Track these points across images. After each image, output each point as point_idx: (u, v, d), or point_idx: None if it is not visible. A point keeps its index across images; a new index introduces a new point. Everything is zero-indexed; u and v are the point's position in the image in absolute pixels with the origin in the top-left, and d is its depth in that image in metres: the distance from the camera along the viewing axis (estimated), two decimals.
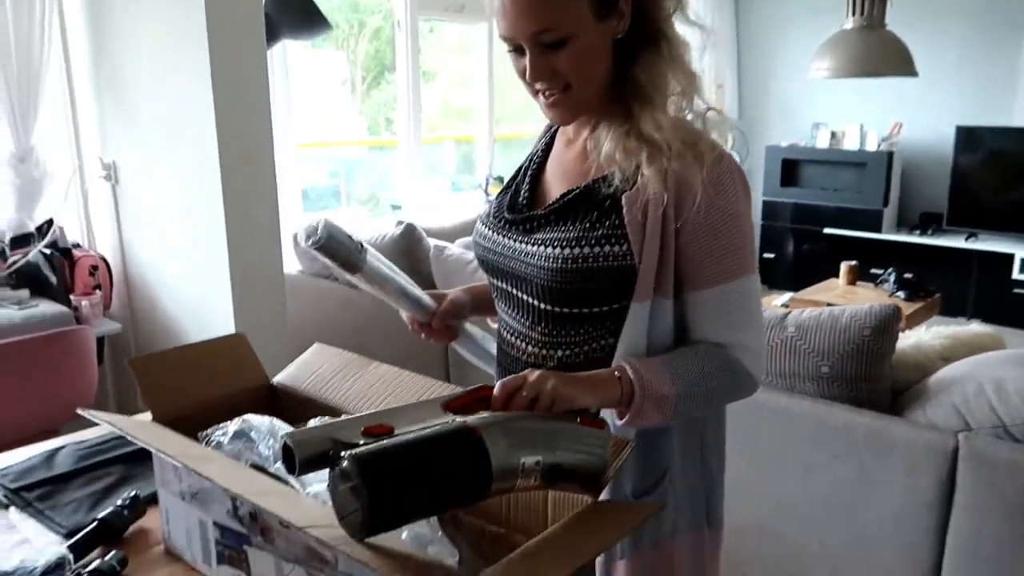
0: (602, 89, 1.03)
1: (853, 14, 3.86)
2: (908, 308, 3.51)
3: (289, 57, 3.60)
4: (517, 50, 1.00)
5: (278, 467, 0.95)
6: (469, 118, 5.51)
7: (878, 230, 5.41)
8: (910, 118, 5.48)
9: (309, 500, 0.86)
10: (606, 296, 1.04)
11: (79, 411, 1.06)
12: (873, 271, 5.00)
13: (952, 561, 1.72)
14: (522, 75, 1.01)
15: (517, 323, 1.14)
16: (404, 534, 0.85)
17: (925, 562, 1.75)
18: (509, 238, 1.10)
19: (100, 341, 2.97)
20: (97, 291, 2.89)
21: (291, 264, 3.33)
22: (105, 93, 2.89)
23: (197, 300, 2.75)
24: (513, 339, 1.15)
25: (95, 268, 2.92)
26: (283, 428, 1.01)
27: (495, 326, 1.25)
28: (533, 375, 0.91)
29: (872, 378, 1.87)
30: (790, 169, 5.80)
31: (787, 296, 3.86)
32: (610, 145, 1.00)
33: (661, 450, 1.08)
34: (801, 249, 5.82)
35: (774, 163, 5.82)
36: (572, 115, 1.06)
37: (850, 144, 5.55)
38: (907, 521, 1.77)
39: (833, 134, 5.64)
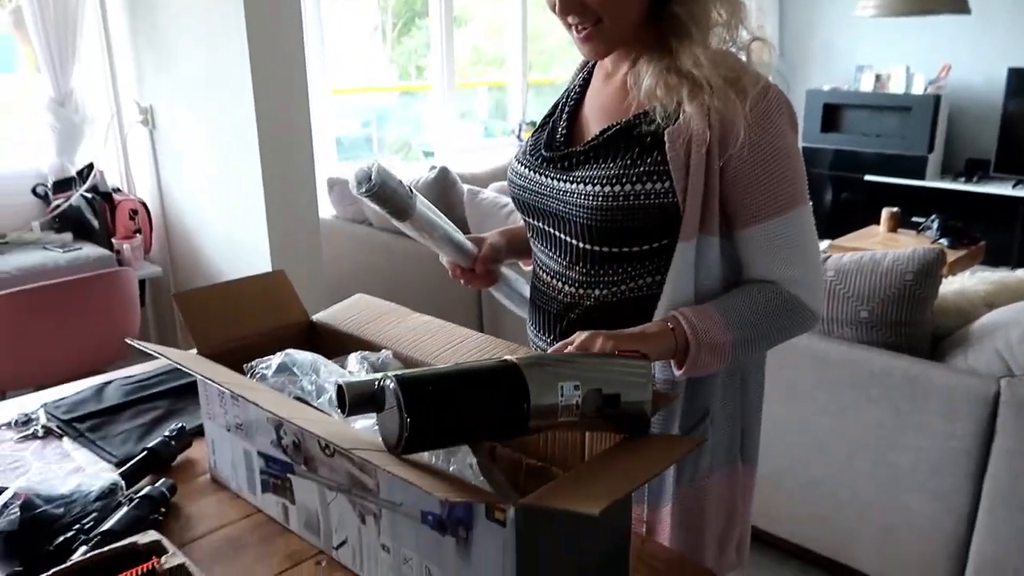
0: (638, 23, 0.99)
1: None
2: (951, 255, 3.43)
3: (321, 3, 3.56)
4: None
5: (320, 402, 0.97)
6: (501, 65, 5.44)
7: (922, 177, 5.27)
8: (959, 60, 5.27)
9: (353, 428, 0.88)
10: (646, 235, 1.02)
11: (128, 340, 1.08)
12: (915, 219, 4.89)
13: (989, 507, 1.71)
14: (553, 8, 0.99)
15: (554, 263, 1.13)
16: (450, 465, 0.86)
17: (960, 508, 1.75)
18: (547, 176, 1.09)
19: (141, 284, 3.04)
20: (137, 235, 2.94)
21: (326, 209, 3.35)
22: (141, 38, 2.89)
23: (234, 245, 2.78)
24: (550, 279, 1.15)
25: (135, 212, 2.96)
26: (325, 363, 1.03)
27: (528, 268, 1.25)
28: (580, 337, 0.91)
29: (912, 323, 1.85)
30: (831, 114, 5.64)
31: (825, 244, 3.79)
32: (650, 81, 0.98)
33: (704, 390, 1.08)
34: (840, 197, 5.69)
35: (815, 108, 5.66)
36: (605, 49, 1.03)
37: (895, 87, 5.37)
38: (943, 467, 1.76)
39: (878, 77, 5.46)
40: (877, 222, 3.99)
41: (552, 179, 1.08)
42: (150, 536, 0.88)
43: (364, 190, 1.05)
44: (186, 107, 2.80)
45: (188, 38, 2.68)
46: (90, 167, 2.92)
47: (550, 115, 1.17)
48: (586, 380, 0.86)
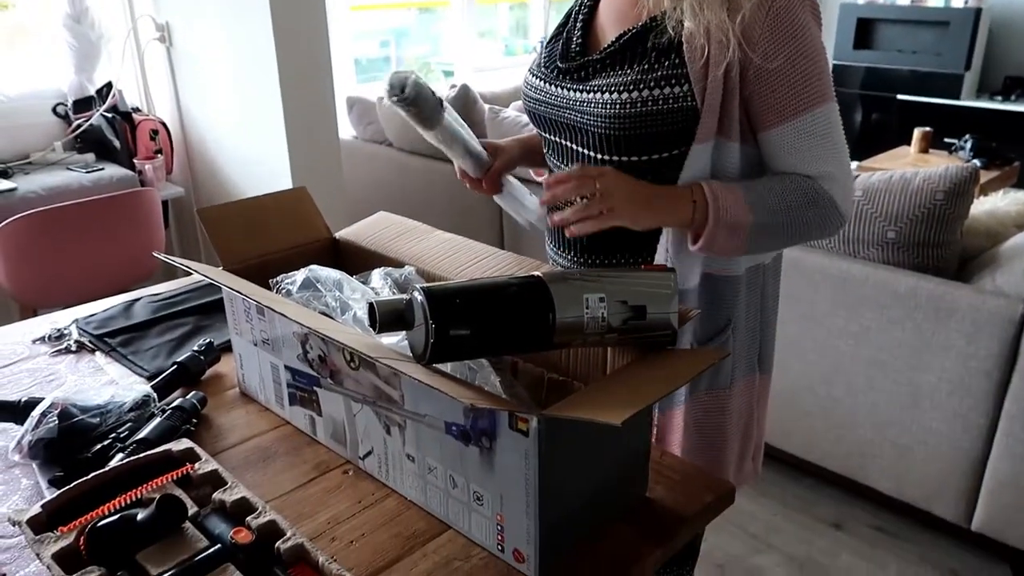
0: None
1: None
2: (984, 176, 3.35)
3: None
4: None
5: (345, 318, 0.98)
6: None
7: (957, 96, 5.10)
8: None
9: (378, 340, 0.89)
10: (664, 142, 1.00)
11: (156, 254, 1.10)
12: (948, 140, 4.76)
13: (1008, 427, 1.72)
14: None
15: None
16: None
17: (978, 428, 1.76)
18: (562, 87, 1.07)
19: (164, 205, 3.05)
20: (159, 155, 2.93)
21: (345, 130, 3.32)
22: None
23: (255, 165, 2.78)
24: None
25: (155, 132, 2.95)
26: (348, 280, 1.03)
27: (541, 179, 1.23)
28: (606, 191, 0.92)
29: (941, 243, 1.82)
30: (865, 29, 5.43)
31: (853, 165, 3.71)
32: None
33: (726, 299, 1.08)
34: (871, 118, 5.54)
35: (848, 23, 5.45)
36: None
37: (934, 0, 5.15)
38: (962, 387, 1.76)
39: None
40: (908, 143, 3.89)
41: (569, 90, 1.06)
42: (184, 444, 0.91)
43: (398, 98, 1.05)
44: (203, 23, 2.75)
45: None
46: (109, 86, 2.90)
47: (563, 25, 1.14)
48: (612, 293, 0.86)
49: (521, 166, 1.28)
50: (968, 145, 3.59)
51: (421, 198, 3.04)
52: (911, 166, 3.49)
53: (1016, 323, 1.66)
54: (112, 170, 2.74)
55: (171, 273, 3.19)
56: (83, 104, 2.89)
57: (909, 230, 1.81)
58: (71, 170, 2.71)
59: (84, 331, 1.37)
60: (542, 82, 1.11)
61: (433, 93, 1.08)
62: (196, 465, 0.87)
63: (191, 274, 1.15)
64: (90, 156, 2.83)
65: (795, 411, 2.08)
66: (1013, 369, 1.68)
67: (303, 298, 1.04)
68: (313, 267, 1.06)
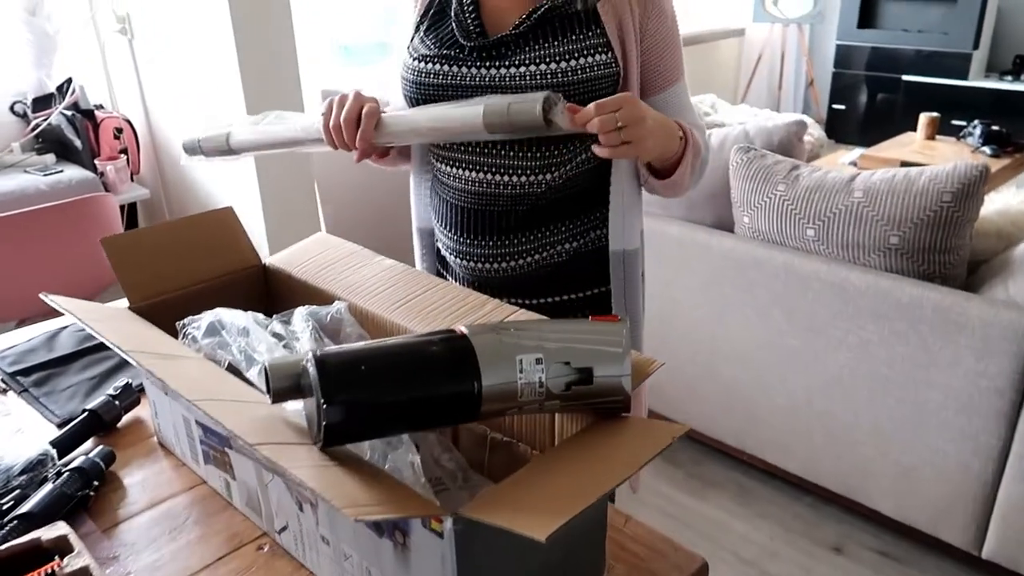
0: None
1: None
2: (994, 165, 3.18)
3: None
4: None
5: (251, 373, 0.84)
6: None
7: (965, 77, 4.90)
8: None
9: (273, 411, 0.75)
10: None
11: (41, 296, 0.96)
12: (955, 123, 4.57)
13: (1022, 448, 1.58)
14: None
15: (498, 158, 1.08)
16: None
17: (989, 450, 1.61)
18: (478, 67, 1.05)
19: (132, 207, 2.92)
20: (123, 155, 2.79)
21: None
22: None
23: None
24: (490, 176, 1.10)
25: (120, 131, 2.81)
26: (255, 328, 0.89)
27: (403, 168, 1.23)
28: (629, 106, 0.91)
29: (948, 249, 1.67)
30: (869, 8, 5.23)
31: (856, 152, 3.54)
32: None
33: (635, 289, 1.18)
34: (875, 100, 5.34)
35: (851, 1, 5.25)
36: None
37: None
38: (971, 406, 1.62)
39: None
40: (914, 127, 3.71)
41: (484, 68, 1.05)
42: (58, 530, 0.78)
43: (193, 158, 1.15)
44: (164, 13, 2.60)
45: None
46: (68, 82, 2.75)
47: (439, 12, 1.11)
48: (551, 352, 0.72)
49: (394, 159, 1.22)
50: (977, 131, 3.41)
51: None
52: (918, 154, 3.33)
53: None
54: (72, 172, 2.60)
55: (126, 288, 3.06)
56: (42, 102, 2.75)
57: (913, 235, 1.66)
58: (28, 172, 2.57)
59: None
60: (447, 65, 1.07)
61: (220, 136, 1.11)
62: (66, 560, 0.74)
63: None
64: (50, 157, 2.69)
65: (793, 426, 1.94)
66: None
67: (210, 346, 0.90)
68: (219, 310, 0.92)
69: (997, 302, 1.59)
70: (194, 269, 1.09)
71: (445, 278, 1.24)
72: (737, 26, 5.72)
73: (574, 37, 1.03)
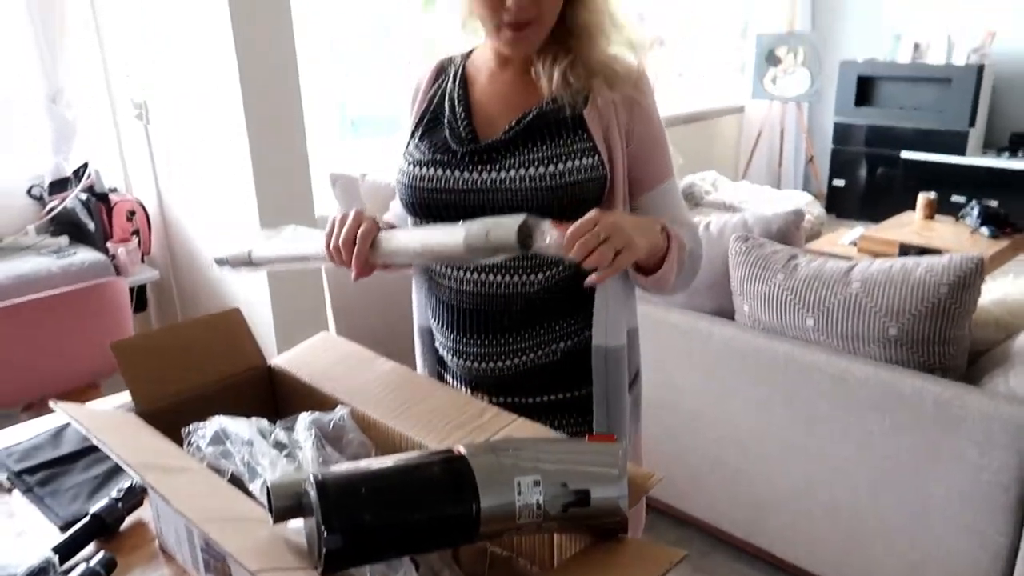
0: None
1: None
2: (992, 247, 3.22)
3: None
4: None
5: (254, 487, 0.85)
6: None
7: (962, 153, 4.99)
8: (1005, 26, 4.96)
9: (275, 531, 0.76)
10: (584, 208, 1.01)
11: (51, 403, 0.98)
12: (954, 199, 4.64)
13: None
14: (495, 7, 1.03)
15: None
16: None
17: (997, 547, 1.59)
18: (467, 171, 1.10)
19: (142, 289, 2.96)
20: (135, 237, 2.85)
21: (331, 205, 3.24)
22: (132, 27, 2.78)
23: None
24: (484, 276, 1.13)
25: (132, 213, 2.87)
26: (259, 440, 0.91)
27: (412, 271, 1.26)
28: (605, 218, 0.92)
29: (947, 340, 1.68)
30: (866, 87, 5.37)
31: (857, 231, 3.58)
32: (559, 74, 1.08)
33: (636, 351, 1.24)
34: (875, 176, 5.43)
35: (848, 81, 5.40)
36: (533, 47, 1.10)
37: (935, 58, 5.09)
38: (977, 500, 1.60)
39: (916, 46, 5.17)
40: (913, 203, 3.76)
41: (476, 172, 1.09)
42: None
43: (224, 269, 1.23)
44: (180, 100, 2.69)
45: (178, 27, 2.57)
46: (85, 166, 2.83)
47: (433, 118, 1.16)
48: (549, 474, 0.73)
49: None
50: (975, 212, 3.46)
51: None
52: (917, 236, 3.37)
53: None
54: (84, 254, 2.65)
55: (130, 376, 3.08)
56: (58, 186, 2.82)
57: (912, 326, 1.68)
58: (41, 255, 2.62)
59: (3, 465, 1.25)
60: (440, 169, 1.11)
61: (241, 254, 1.18)
62: None
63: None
64: (63, 239, 2.75)
65: (797, 517, 1.92)
66: None
67: (214, 454, 0.92)
68: (223, 420, 0.94)
69: (997, 395, 1.59)
70: (201, 371, 1.11)
71: (443, 378, 1.26)
72: (737, 103, 5.87)
73: (562, 142, 1.08)
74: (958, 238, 3.35)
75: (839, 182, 5.60)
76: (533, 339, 1.15)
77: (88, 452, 1.29)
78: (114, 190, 2.95)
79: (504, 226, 0.89)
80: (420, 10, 5.56)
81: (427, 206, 1.13)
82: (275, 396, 1.16)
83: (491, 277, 1.13)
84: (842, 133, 5.52)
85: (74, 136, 2.84)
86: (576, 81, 1.07)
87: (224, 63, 2.34)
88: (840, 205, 5.58)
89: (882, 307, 1.71)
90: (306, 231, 1.15)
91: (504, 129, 1.10)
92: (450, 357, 1.22)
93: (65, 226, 2.80)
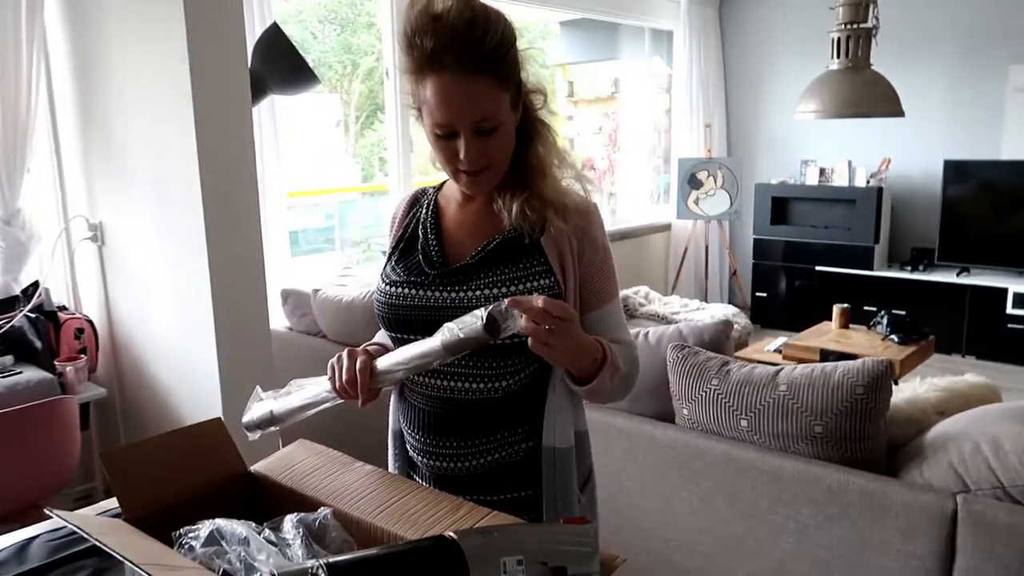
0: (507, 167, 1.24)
1: (838, 56, 3.89)
2: (902, 352, 3.49)
3: (284, 101, 3.58)
4: (448, 136, 1.15)
5: None
6: None
7: (870, 267, 5.41)
8: (899, 153, 5.52)
9: None
10: None
11: (47, 510, 1.02)
12: (866, 308, 4.99)
13: None
14: (451, 157, 1.17)
15: (459, 367, 1.22)
16: None
17: None
18: (440, 291, 1.22)
19: (85, 407, 2.93)
20: (82, 355, 2.85)
21: (278, 320, 3.30)
22: (93, 152, 2.89)
23: (184, 360, 2.71)
24: (452, 383, 1.23)
25: (81, 331, 2.89)
26: (254, 537, 0.97)
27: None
28: (569, 320, 1.05)
29: (866, 436, 1.84)
30: (780, 207, 5.82)
31: (781, 340, 3.84)
32: (518, 207, 1.21)
33: (586, 451, 1.35)
34: (794, 287, 5.81)
35: (764, 201, 5.84)
36: (489, 187, 1.23)
37: (839, 180, 5.58)
38: None
39: (822, 171, 5.68)
40: (830, 313, 4.05)
41: (448, 292, 1.21)
42: None
43: (254, 436, 1.31)
44: (137, 222, 2.77)
45: (139, 152, 2.68)
46: (35, 285, 2.85)
47: (408, 245, 1.30)
48: (530, 553, 0.83)
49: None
50: (885, 320, 3.76)
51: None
52: (834, 343, 3.63)
53: (948, 519, 1.66)
54: (30, 373, 2.64)
55: (88, 476, 3.01)
56: (6, 304, 2.83)
57: (835, 424, 1.84)
58: None
59: None
60: (414, 289, 1.24)
61: (262, 417, 1.27)
62: None
63: (95, 500, 1.08)
64: (8, 359, 2.73)
65: None
66: (952, 568, 1.66)
67: (206, 554, 0.97)
68: (218, 521, 1.00)
69: (915, 486, 1.74)
70: (185, 479, 1.16)
71: (413, 478, 1.35)
72: (664, 222, 6.25)
73: (522, 265, 1.20)
74: (872, 344, 3.62)
75: (762, 294, 5.95)
76: (497, 441, 1.25)
77: (57, 565, 1.30)
78: (63, 308, 2.97)
79: (472, 319, 1.03)
80: (356, 134, 5.81)
81: (402, 321, 1.24)
82: (257, 501, 1.21)
83: (458, 383, 1.23)
84: (762, 249, 5.92)
85: (27, 256, 2.88)
86: (532, 213, 1.19)
87: (188, 186, 2.45)
88: (764, 315, 5.91)
89: (807, 407, 1.87)
90: (306, 381, 1.27)
91: (471, 254, 1.23)
92: (418, 457, 1.31)
93: (11, 344, 2.79)
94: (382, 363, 1.16)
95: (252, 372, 2.61)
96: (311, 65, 3.05)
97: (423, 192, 1.36)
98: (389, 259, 1.31)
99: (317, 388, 1.24)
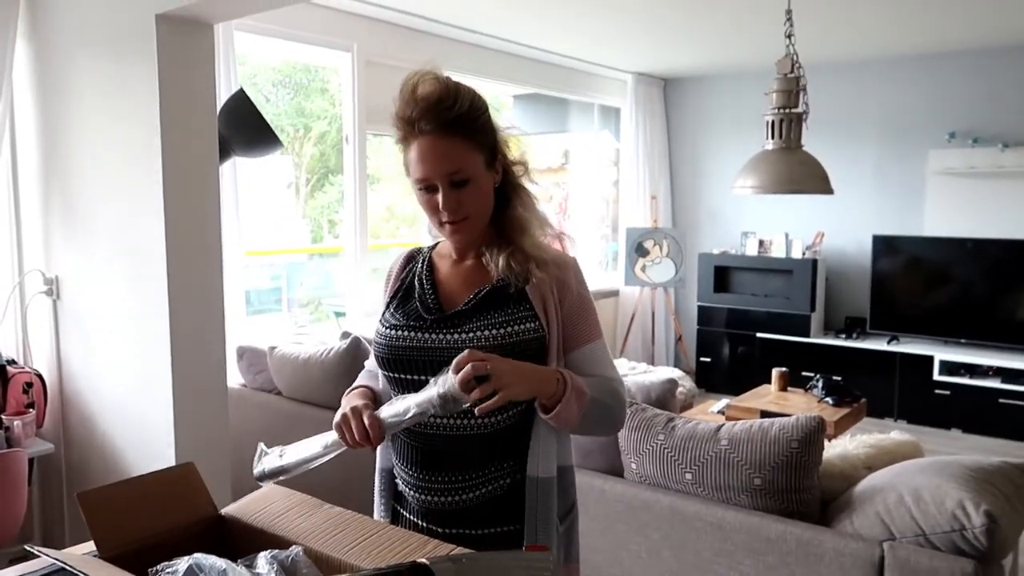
0: (487, 222, 1.38)
1: (772, 136, 4.17)
2: (836, 414, 3.67)
3: (242, 163, 3.67)
4: (429, 189, 1.31)
5: None
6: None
7: (807, 334, 5.66)
8: (831, 228, 5.85)
9: None
10: (530, 361, 1.30)
11: (27, 547, 1.06)
12: (804, 373, 5.21)
13: None
14: (434, 209, 1.32)
15: None
16: None
17: None
18: (436, 334, 1.34)
19: (30, 462, 2.88)
20: (30, 409, 2.82)
21: (233, 377, 3.32)
22: (53, 207, 2.91)
23: (136, 418, 2.71)
24: (444, 420, 1.33)
25: (29, 384, 2.86)
26: (233, 569, 1.03)
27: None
28: (496, 363, 1.17)
29: (802, 488, 1.96)
30: (722, 275, 6.07)
31: (723, 402, 3.99)
32: (504, 261, 1.35)
33: (569, 484, 1.42)
34: (736, 352, 6.02)
35: (707, 270, 6.09)
36: (470, 238, 1.38)
37: (777, 252, 5.87)
38: None
39: (761, 242, 5.96)
40: (770, 377, 4.23)
41: (443, 335, 1.33)
42: None
43: (265, 482, 1.39)
44: (95, 277, 2.79)
45: (102, 209, 2.72)
46: None
47: (406, 294, 1.43)
48: None
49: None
50: (820, 384, 3.95)
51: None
52: (774, 404, 3.79)
53: (876, 565, 1.78)
54: None
55: (26, 536, 2.94)
56: None
57: (772, 476, 1.96)
58: None
59: None
60: (413, 332, 1.36)
61: (273, 469, 1.38)
62: None
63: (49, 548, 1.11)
64: None
65: None
66: None
67: None
68: (197, 556, 1.05)
69: (846, 535, 1.86)
70: (159, 520, 1.20)
71: (399, 512, 1.43)
72: (613, 288, 6.44)
73: (509, 311, 1.33)
74: (808, 406, 3.79)
75: (706, 359, 6.14)
76: (485, 476, 1.34)
77: None
78: (12, 362, 2.94)
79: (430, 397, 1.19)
80: (306, 197, 5.89)
81: (401, 362, 1.35)
82: (227, 542, 1.26)
83: (448, 420, 1.32)
84: (705, 315, 6.14)
85: None
86: (516, 266, 1.34)
87: (152, 244, 2.50)
88: (708, 379, 6.09)
89: (747, 461, 1.99)
90: (308, 441, 1.39)
91: (464, 302, 1.36)
92: (408, 491, 1.39)
93: None
94: (387, 415, 1.26)
95: (207, 429, 2.62)
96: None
97: (418, 251, 1.50)
98: (387, 307, 1.44)
99: (316, 442, 1.35)
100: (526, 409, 1.34)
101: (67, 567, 0.98)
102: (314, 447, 1.35)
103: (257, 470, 1.38)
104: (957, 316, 5.27)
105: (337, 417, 1.32)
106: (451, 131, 1.29)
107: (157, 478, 1.27)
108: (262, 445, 1.40)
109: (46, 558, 1.03)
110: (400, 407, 1.25)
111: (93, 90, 2.70)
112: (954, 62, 5.37)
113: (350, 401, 1.35)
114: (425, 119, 1.28)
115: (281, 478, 1.37)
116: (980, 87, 5.30)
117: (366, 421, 1.26)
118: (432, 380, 1.19)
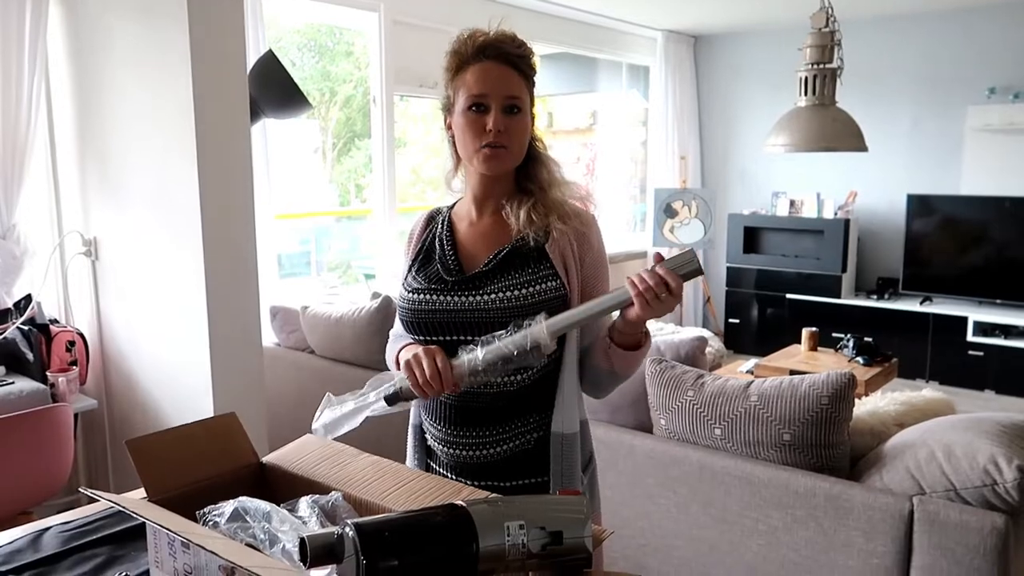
0: (518, 163, 1.39)
1: (805, 93, 4.09)
2: (866, 373, 3.65)
3: (270, 126, 3.70)
4: (480, 108, 1.33)
5: (273, 551, 1.00)
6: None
7: (837, 295, 5.61)
8: (864, 187, 5.75)
9: (307, 574, 0.92)
10: None
11: (81, 489, 1.10)
12: (835, 335, 5.17)
13: None
14: (479, 131, 1.33)
15: None
16: None
17: None
18: (458, 296, 1.35)
19: (74, 418, 2.98)
20: (73, 367, 2.91)
21: (267, 336, 3.38)
22: (90, 169, 2.97)
23: (174, 374, 2.78)
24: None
25: (72, 343, 2.94)
26: (277, 511, 1.06)
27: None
28: (678, 293, 1.22)
29: (831, 444, 1.97)
30: (752, 236, 6.02)
31: (752, 362, 3.98)
32: (524, 215, 1.36)
33: (588, 438, 1.47)
34: (765, 314, 5.99)
35: (736, 230, 6.03)
36: (503, 167, 1.37)
37: (808, 212, 5.79)
38: None
39: (792, 202, 5.89)
40: (799, 338, 4.21)
41: (466, 296, 1.35)
42: None
43: (322, 435, 1.36)
44: (132, 238, 2.85)
45: (137, 170, 2.76)
46: (27, 299, 2.91)
47: (426, 256, 1.44)
48: (530, 519, 0.93)
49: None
50: (851, 344, 3.92)
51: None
52: (803, 364, 3.77)
53: (905, 520, 1.79)
54: (22, 384, 2.69)
55: (72, 488, 3.05)
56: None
57: (802, 432, 1.97)
58: None
59: None
60: (435, 295, 1.37)
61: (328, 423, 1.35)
62: None
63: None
64: (0, 369, 2.78)
65: None
66: (910, 565, 1.78)
67: (230, 529, 1.06)
68: (243, 499, 1.09)
69: (875, 489, 1.87)
70: (203, 467, 1.25)
71: (431, 467, 1.46)
72: (641, 249, 6.41)
73: (530, 270, 1.34)
74: (838, 365, 3.77)
75: (735, 320, 6.12)
76: (513, 430, 1.37)
77: (71, 552, 1.37)
78: (55, 321, 3.02)
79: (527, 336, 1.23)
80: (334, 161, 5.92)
81: (425, 324, 1.37)
82: (269, 489, 1.30)
83: None
84: (734, 276, 6.10)
85: (20, 271, 2.94)
86: (537, 218, 1.35)
87: (187, 203, 2.54)
88: (736, 341, 6.07)
89: (776, 417, 2.00)
90: (365, 390, 1.35)
91: (484, 262, 1.37)
92: (438, 446, 1.42)
93: (3, 356, 2.83)
94: (458, 366, 1.27)
95: (244, 385, 2.68)
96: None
97: (437, 211, 1.51)
98: (409, 271, 1.45)
99: (377, 392, 1.33)
100: (548, 368, 1.37)
101: (124, 509, 1.03)
102: (372, 401, 1.33)
103: (316, 424, 1.37)
104: (993, 276, 5.18)
105: (407, 355, 1.29)
106: (513, 64, 1.34)
107: (201, 426, 1.32)
108: (329, 394, 1.37)
109: (104, 502, 1.07)
110: (475, 360, 1.25)
111: (126, 52, 2.73)
112: (995, 15, 5.20)
113: (414, 348, 1.33)
114: (491, 49, 1.33)
115: (341, 432, 1.36)
116: (1022, 41, 5.14)
117: (439, 364, 1.25)
118: (506, 331, 1.22)
